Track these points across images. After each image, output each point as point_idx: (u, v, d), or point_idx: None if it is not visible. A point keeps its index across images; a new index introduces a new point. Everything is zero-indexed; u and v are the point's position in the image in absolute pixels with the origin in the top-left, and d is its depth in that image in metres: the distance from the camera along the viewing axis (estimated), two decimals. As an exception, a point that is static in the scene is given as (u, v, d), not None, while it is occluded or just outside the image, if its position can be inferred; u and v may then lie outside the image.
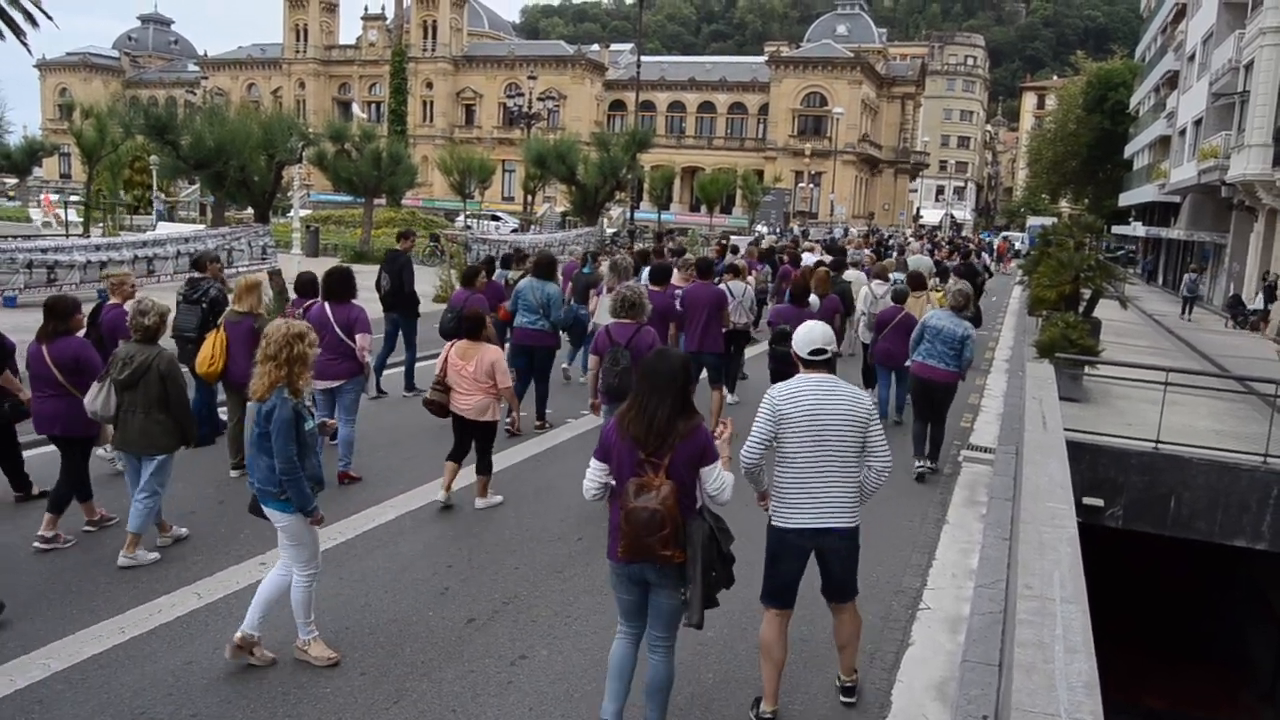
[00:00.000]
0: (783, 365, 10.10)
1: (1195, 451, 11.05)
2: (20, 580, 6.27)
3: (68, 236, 28.57)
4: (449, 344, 8.07)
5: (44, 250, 17.75)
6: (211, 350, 8.33)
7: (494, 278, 13.35)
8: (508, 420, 9.00)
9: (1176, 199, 42.42)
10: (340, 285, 8.75)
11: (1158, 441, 10.99)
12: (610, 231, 36.02)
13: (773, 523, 4.95)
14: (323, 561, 6.73)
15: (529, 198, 50.43)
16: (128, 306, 7.22)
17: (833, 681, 5.40)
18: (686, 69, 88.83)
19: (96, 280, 17.81)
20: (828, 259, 18.65)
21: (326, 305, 8.65)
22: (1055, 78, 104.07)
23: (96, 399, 6.64)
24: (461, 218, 49.61)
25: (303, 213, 38.53)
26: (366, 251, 31.11)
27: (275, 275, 18.59)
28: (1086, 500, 10.73)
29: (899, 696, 5.41)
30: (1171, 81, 44.84)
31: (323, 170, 33.79)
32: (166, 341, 7.07)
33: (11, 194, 55.54)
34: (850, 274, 16.15)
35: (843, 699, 5.26)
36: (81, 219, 36.50)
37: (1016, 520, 7.03)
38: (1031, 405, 10.47)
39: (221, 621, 5.84)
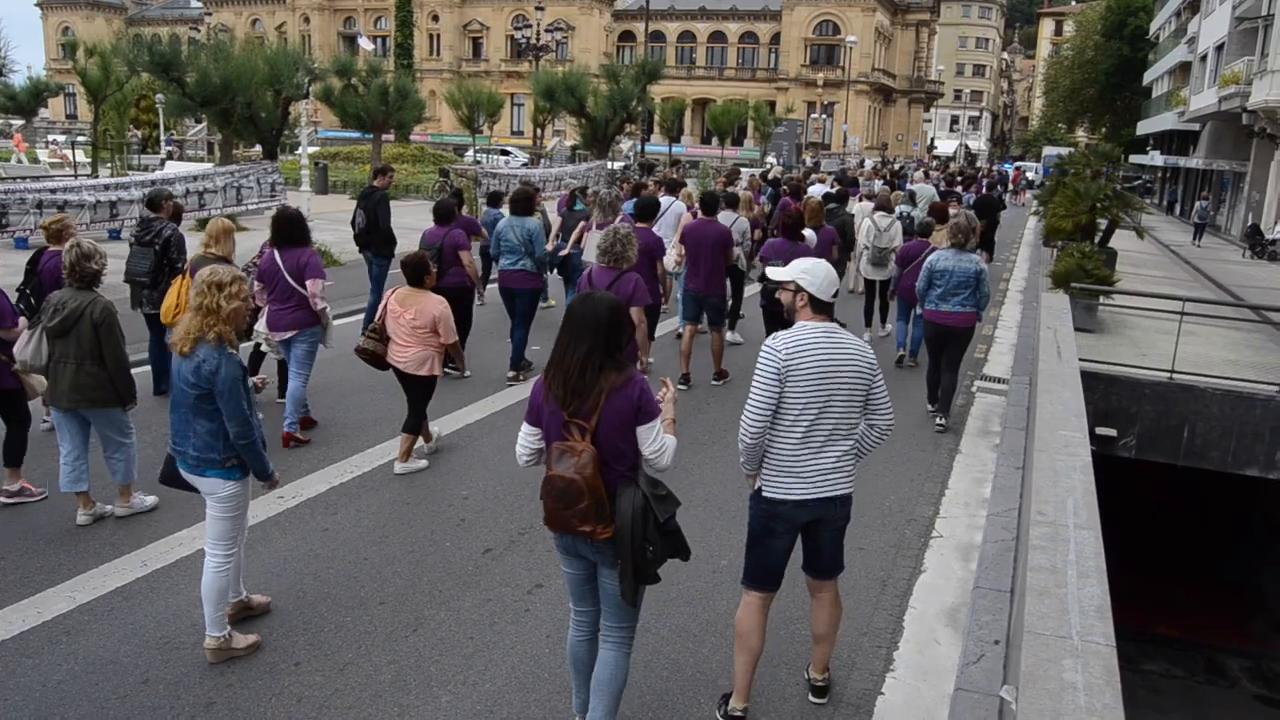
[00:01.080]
0: (778, 307, 9.88)
1: (1210, 381, 11.01)
2: (42, 519, 6.36)
3: (76, 177, 28.46)
4: (389, 290, 7.47)
5: (53, 191, 17.69)
6: (178, 298, 7.80)
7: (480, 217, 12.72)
8: (451, 368, 8.77)
9: (1196, 127, 41.75)
10: (289, 229, 8.04)
11: (1172, 371, 10.95)
12: (619, 165, 35.64)
13: (765, 494, 4.29)
14: (335, 497, 6.83)
15: (538, 131, 50.00)
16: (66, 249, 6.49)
17: (804, 676, 4.79)
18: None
19: (107, 220, 17.81)
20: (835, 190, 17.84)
21: (275, 252, 7.98)
22: (1074, 3, 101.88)
23: (26, 347, 6.10)
24: (470, 152, 49.25)
25: (311, 149, 38.27)
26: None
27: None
28: (1100, 430, 10.74)
29: (910, 623, 5.46)
30: (1193, 5, 43.86)
31: (330, 106, 33.46)
32: (114, 292, 6.62)
33: (18, 135, 55.30)
34: (859, 206, 15.40)
35: (812, 698, 4.66)
36: (89, 159, 36.35)
37: (1030, 449, 7.04)
38: (1046, 335, 10.43)
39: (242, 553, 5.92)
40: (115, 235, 17.99)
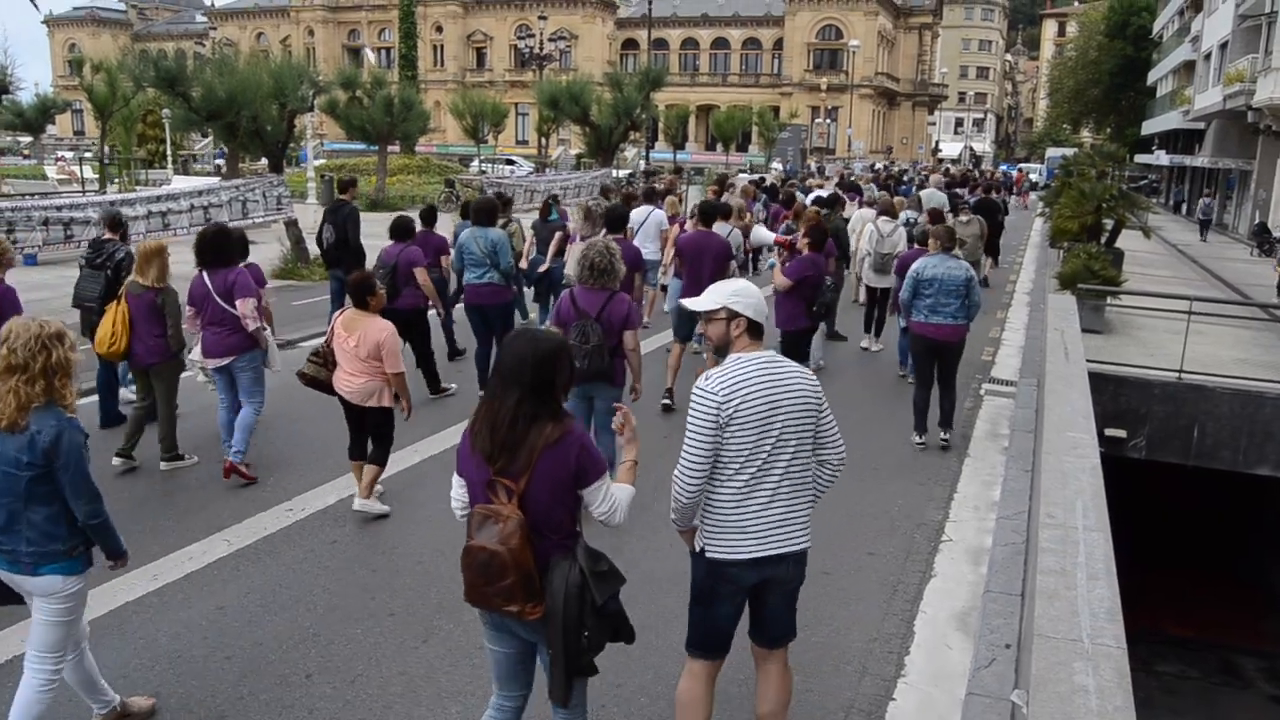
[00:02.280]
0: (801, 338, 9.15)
1: (1219, 381, 10.96)
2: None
3: (84, 193, 28.61)
4: (338, 312, 6.82)
5: (59, 208, 17.78)
6: (112, 326, 7.29)
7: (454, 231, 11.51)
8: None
9: (1201, 126, 41.66)
10: (213, 247, 7.36)
11: (1181, 371, 10.91)
12: (623, 174, 35.70)
13: (708, 554, 3.72)
14: (342, 509, 6.77)
15: (543, 140, 50.07)
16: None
17: None
18: (699, 5, 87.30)
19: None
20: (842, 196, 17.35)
21: (203, 273, 7.32)
22: (1076, 3, 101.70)
23: None
24: (476, 162, 49.38)
25: (317, 162, 38.33)
26: (381, 199, 31.04)
27: (292, 225, 18.63)
28: (1109, 431, 10.70)
29: (921, 628, 5.45)
30: (1196, 4, 43.76)
31: (335, 119, 33.62)
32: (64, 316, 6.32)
33: (26, 152, 55.64)
34: (860, 212, 14.95)
35: None
36: (97, 175, 36.53)
37: (1039, 451, 7.02)
38: (1053, 337, 10.41)
39: (251, 566, 5.95)
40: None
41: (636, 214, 12.56)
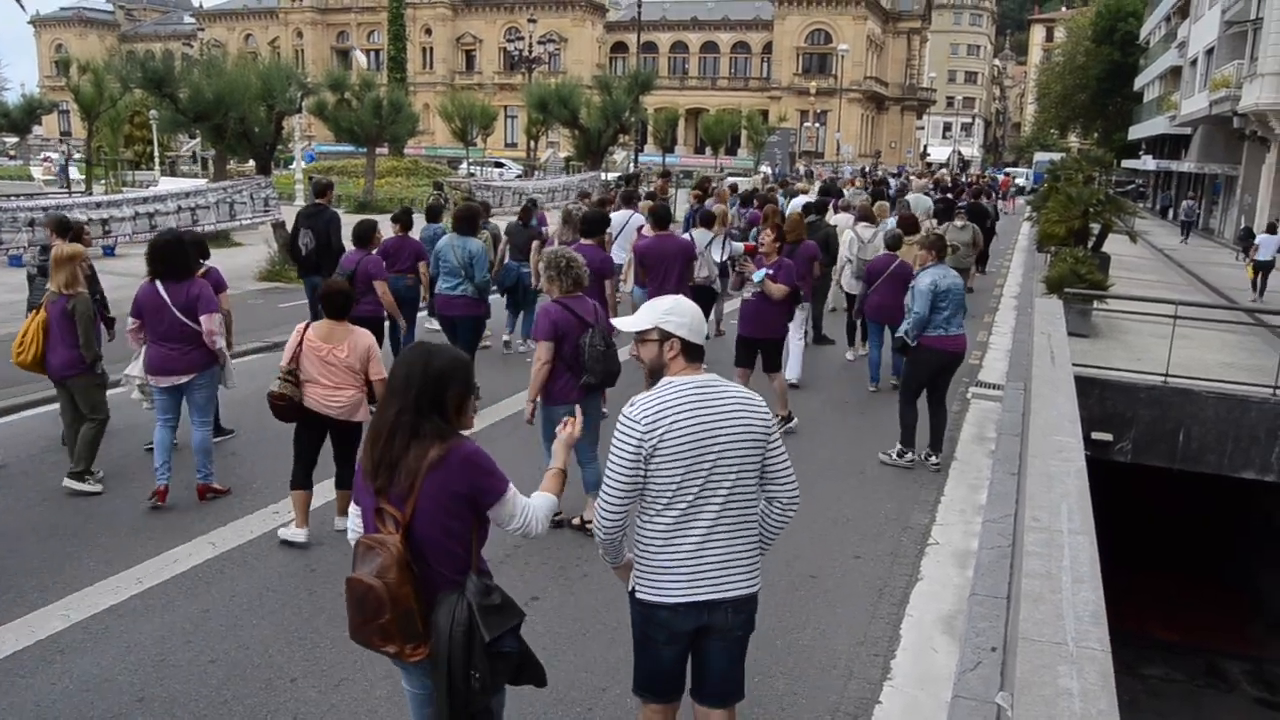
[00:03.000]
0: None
1: (1205, 385, 11.02)
2: (32, 535, 6.35)
3: (70, 194, 28.46)
4: (301, 324, 6.32)
5: (45, 209, 17.67)
6: (24, 334, 6.99)
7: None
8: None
9: (1187, 131, 41.93)
10: (169, 257, 6.82)
11: (1167, 375, 10.96)
12: (611, 176, 35.69)
13: (637, 595, 3.40)
14: (329, 512, 6.66)
15: (532, 143, 50.04)
16: None
17: None
18: (688, 8, 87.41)
19: (100, 237, 17.78)
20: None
21: (157, 283, 6.77)
22: (1064, 9, 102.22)
23: None
24: (464, 165, 49.33)
25: (305, 164, 38.25)
26: (370, 201, 30.98)
27: (279, 227, 18.56)
28: (1095, 435, 10.74)
29: (908, 631, 5.45)
30: (1183, 10, 44.05)
31: (324, 121, 33.53)
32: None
33: (12, 153, 55.34)
34: (839, 218, 14.40)
35: None
36: (83, 176, 36.36)
37: (1024, 455, 7.04)
38: (1040, 341, 10.44)
39: (236, 570, 5.92)
40: (109, 252, 18.00)
41: (617, 218, 12.16)
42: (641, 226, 11.84)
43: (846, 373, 11.77)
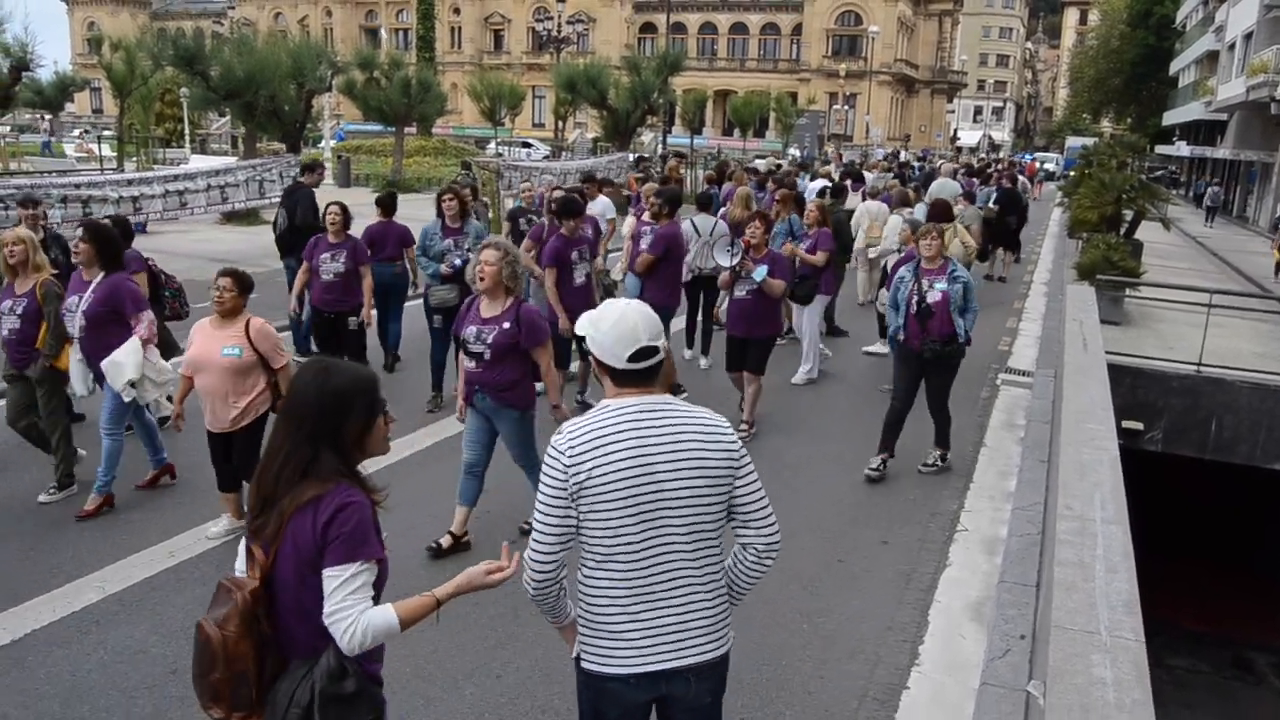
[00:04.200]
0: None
1: (1238, 374, 10.88)
2: (70, 512, 6.43)
3: (101, 171, 28.70)
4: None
5: (77, 185, 17.84)
6: None
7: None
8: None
9: (1223, 117, 41.25)
10: (107, 244, 6.29)
11: (1200, 364, 10.83)
12: (635, 157, 35.56)
13: (582, 664, 2.85)
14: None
15: (560, 124, 49.94)
16: None
17: None
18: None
19: (131, 214, 17.94)
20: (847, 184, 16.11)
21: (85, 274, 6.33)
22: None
23: None
24: (492, 145, 49.32)
25: (333, 143, 38.30)
26: (399, 180, 31.05)
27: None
28: (1126, 424, 10.63)
29: (936, 617, 5.43)
30: (1221, -7, 43.31)
31: (352, 99, 33.61)
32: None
33: (46, 129, 55.81)
34: (872, 205, 13.50)
35: None
36: (115, 153, 36.64)
37: (1056, 442, 6.99)
38: (1072, 327, 10.34)
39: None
40: (141, 229, 18.11)
41: (595, 206, 11.35)
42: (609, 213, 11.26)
43: (869, 365, 11.64)
